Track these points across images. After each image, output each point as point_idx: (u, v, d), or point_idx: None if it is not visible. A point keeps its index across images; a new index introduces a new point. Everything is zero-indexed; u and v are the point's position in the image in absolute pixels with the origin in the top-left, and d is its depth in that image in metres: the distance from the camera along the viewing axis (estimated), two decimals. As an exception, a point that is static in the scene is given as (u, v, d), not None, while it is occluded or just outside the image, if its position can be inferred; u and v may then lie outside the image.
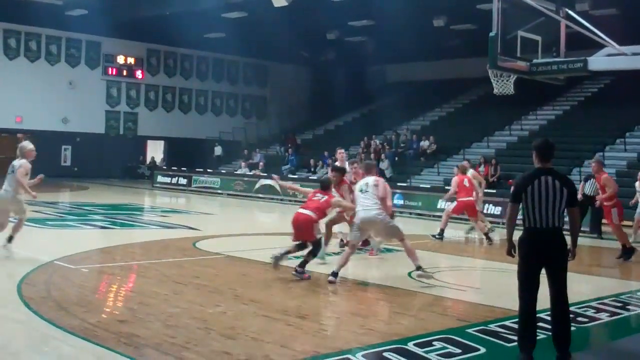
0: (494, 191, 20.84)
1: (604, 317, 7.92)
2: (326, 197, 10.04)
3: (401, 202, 21.93)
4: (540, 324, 7.08)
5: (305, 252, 9.75)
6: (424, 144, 28.80)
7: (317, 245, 9.82)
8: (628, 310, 8.39)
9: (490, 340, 6.54)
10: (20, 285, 8.25)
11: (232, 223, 19.11)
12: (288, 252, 9.76)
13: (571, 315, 7.37)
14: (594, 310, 8.12)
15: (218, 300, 8.05)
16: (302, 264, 9.57)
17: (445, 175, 25.50)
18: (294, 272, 9.48)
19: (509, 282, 10.27)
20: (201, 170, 30.46)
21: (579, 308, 8.00)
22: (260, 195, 25.73)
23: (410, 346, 6.18)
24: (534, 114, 30.13)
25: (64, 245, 11.74)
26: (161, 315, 7.13)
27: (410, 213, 21.48)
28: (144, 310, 7.34)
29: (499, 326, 7.03)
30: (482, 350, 6.20)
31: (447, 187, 22.32)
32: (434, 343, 6.30)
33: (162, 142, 38.94)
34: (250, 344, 6.25)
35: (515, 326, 6.39)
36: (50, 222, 15.51)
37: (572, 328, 6.13)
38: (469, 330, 6.83)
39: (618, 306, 8.48)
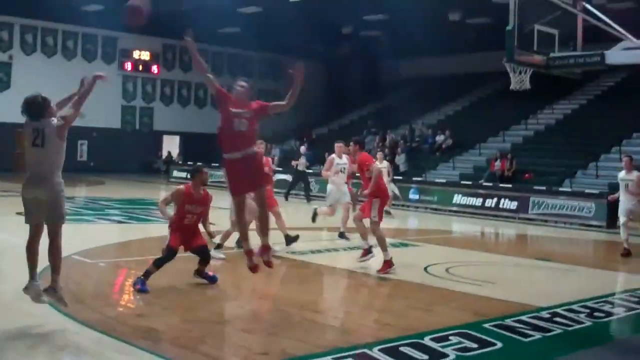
0: (510, 186, 20.75)
1: (621, 312, 7.88)
2: None
3: (416, 196, 21.91)
4: (557, 319, 7.09)
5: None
6: (440, 138, 28.70)
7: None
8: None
9: (506, 335, 6.52)
10: (39, 279, 8.29)
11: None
12: None
13: (587, 310, 7.40)
14: (610, 305, 8.08)
15: (235, 295, 8.09)
16: None
17: (461, 170, 25.38)
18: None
19: (525, 277, 10.30)
20: (217, 165, 30.52)
21: (596, 303, 7.97)
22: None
23: (427, 341, 6.17)
24: (550, 108, 29.90)
25: (81, 240, 11.79)
26: (178, 309, 7.18)
27: (426, 208, 21.46)
28: (161, 304, 7.38)
29: (516, 321, 6.99)
30: (499, 345, 6.19)
31: (463, 182, 22.32)
32: (450, 338, 6.28)
33: (177, 137, 39.06)
34: (268, 339, 6.28)
35: (532, 321, 6.38)
36: (67, 217, 15.58)
37: (589, 323, 6.09)
38: (486, 325, 6.81)
39: (634, 301, 8.43)
